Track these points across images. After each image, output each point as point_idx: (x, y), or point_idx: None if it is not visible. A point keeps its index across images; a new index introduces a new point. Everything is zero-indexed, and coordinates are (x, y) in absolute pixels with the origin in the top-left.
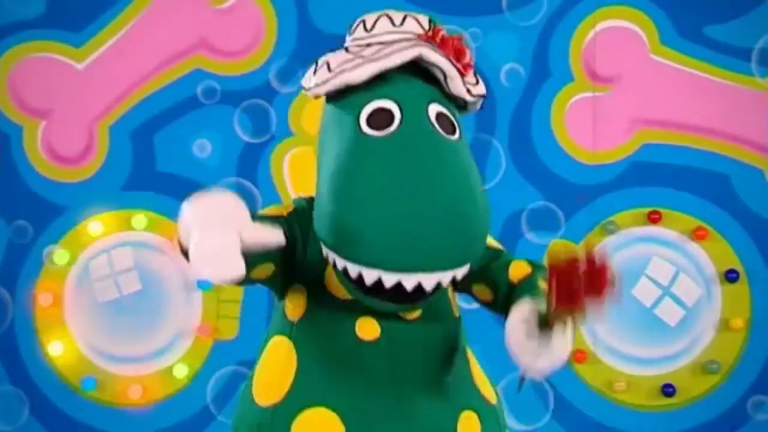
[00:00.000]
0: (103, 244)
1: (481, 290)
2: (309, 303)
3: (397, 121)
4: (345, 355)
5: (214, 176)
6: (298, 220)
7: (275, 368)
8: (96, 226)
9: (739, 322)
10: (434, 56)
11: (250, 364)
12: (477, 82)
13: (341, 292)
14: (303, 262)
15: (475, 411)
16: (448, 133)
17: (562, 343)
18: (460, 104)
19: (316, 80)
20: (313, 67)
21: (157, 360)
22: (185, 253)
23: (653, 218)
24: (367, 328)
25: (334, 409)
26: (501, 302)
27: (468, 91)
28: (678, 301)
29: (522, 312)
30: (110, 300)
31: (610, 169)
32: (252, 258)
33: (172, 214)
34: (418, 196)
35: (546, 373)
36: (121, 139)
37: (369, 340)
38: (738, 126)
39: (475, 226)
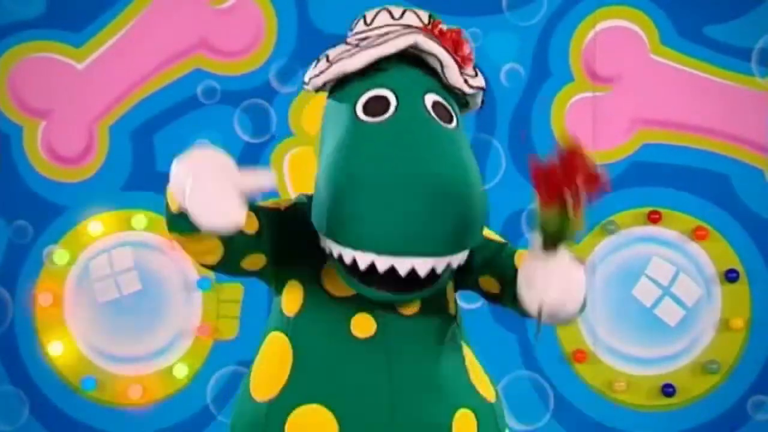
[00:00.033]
0: (103, 244)
1: (489, 282)
2: (305, 299)
3: (392, 108)
4: (340, 352)
5: None
6: (296, 214)
7: (271, 363)
8: (96, 226)
9: (739, 322)
10: (430, 44)
11: (250, 364)
12: (476, 75)
13: (338, 289)
14: (300, 257)
15: (472, 409)
16: (444, 121)
17: (569, 266)
18: (460, 98)
19: (315, 72)
20: (314, 62)
21: (157, 360)
22: (176, 216)
23: (653, 218)
24: (363, 326)
25: (328, 406)
26: (509, 291)
27: (466, 82)
28: (678, 301)
29: (527, 253)
30: (110, 300)
31: (610, 169)
32: (241, 245)
33: None
34: (411, 179)
35: (559, 305)
36: (121, 139)
37: (364, 338)
38: (738, 126)
39: (470, 210)
